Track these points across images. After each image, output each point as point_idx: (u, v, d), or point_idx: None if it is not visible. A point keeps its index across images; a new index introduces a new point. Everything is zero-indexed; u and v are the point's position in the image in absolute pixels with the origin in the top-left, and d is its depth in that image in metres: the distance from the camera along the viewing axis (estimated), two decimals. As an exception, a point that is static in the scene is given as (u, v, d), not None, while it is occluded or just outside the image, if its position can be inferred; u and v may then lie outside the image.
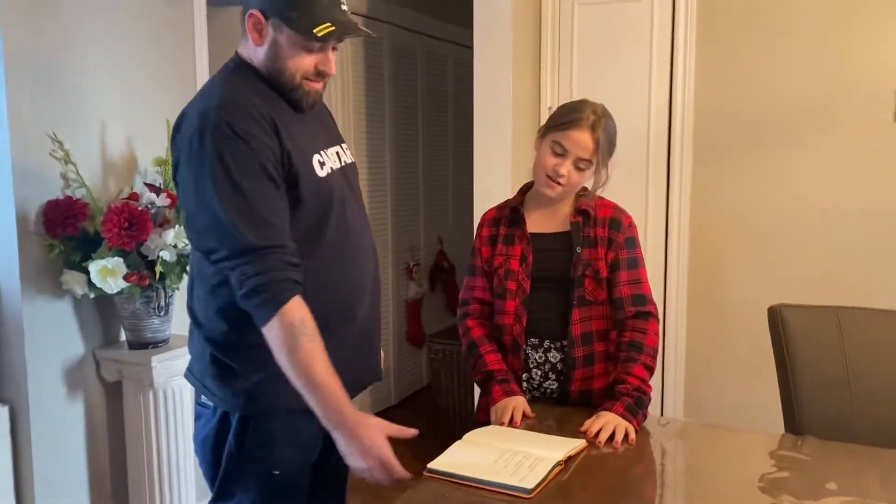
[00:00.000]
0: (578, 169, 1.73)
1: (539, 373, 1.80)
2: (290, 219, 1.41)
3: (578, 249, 1.76)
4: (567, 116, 1.75)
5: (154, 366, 2.30)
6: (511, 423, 1.65)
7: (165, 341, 2.41)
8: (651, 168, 2.73)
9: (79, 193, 2.26)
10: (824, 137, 2.58)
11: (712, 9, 2.63)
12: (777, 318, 1.72)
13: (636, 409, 1.64)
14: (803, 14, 2.55)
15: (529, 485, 1.33)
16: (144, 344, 2.36)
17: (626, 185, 2.76)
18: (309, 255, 1.44)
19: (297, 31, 1.41)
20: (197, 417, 1.56)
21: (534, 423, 1.66)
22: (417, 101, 4.38)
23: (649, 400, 1.70)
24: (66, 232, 2.18)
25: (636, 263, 1.79)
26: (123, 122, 2.44)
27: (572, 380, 1.77)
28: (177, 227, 2.22)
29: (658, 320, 1.78)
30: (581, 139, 1.71)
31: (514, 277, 1.79)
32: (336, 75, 2.68)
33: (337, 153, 1.57)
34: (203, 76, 2.71)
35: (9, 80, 2.11)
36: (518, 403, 1.70)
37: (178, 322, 2.42)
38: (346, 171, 1.58)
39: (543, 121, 2.90)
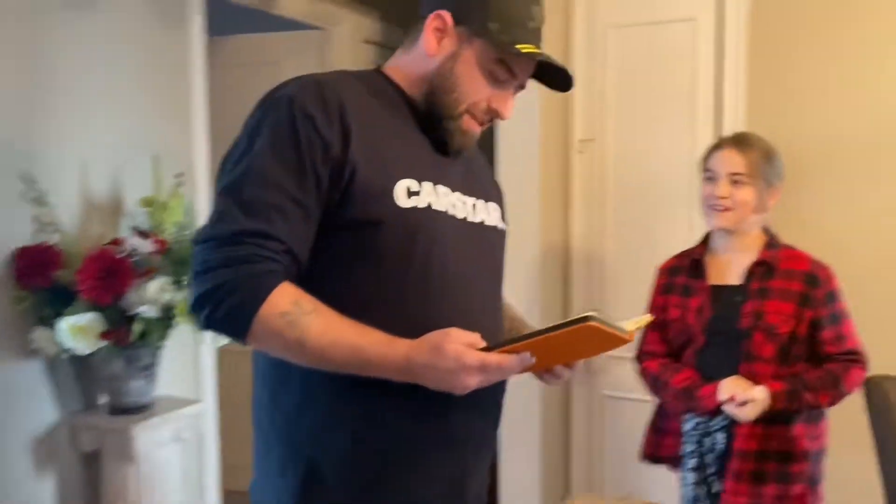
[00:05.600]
0: (736, 183, 1.76)
1: (712, 425, 1.81)
2: (358, 265, 1.12)
3: (738, 298, 1.75)
4: (712, 145, 1.87)
5: (135, 434, 2.04)
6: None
7: (149, 406, 2.14)
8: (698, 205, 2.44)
9: (54, 239, 2.02)
10: (892, 171, 2.29)
11: (765, 31, 2.37)
12: (878, 392, 1.42)
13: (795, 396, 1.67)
14: (862, 35, 2.29)
15: (596, 314, 1.02)
16: (126, 409, 2.09)
17: (671, 222, 2.48)
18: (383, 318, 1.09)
19: (492, 43, 1.16)
20: None
21: None
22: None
23: (804, 408, 1.71)
24: (35, 282, 1.92)
25: (839, 318, 1.74)
26: (108, 160, 2.20)
27: (734, 435, 1.74)
28: (161, 277, 1.96)
29: (865, 369, 1.71)
30: (726, 156, 1.78)
31: (688, 331, 1.82)
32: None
33: (473, 205, 1.25)
34: (200, 110, 2.48)
35: (-25, 112, 1.89)
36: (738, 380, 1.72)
37: (165, 383, 2.17)
38: (481, 230, 1.25)
39: (574, 155, 2.66)
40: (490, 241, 1.28)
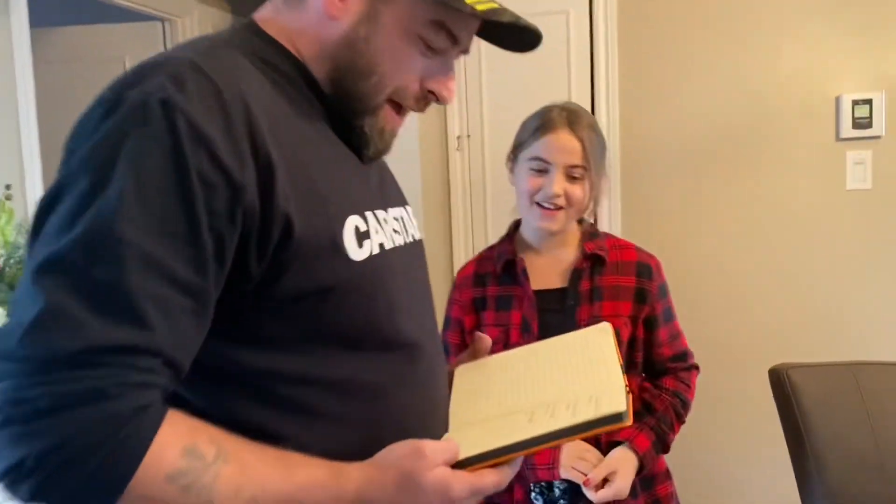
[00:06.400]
0: (574, 179, 1.39)
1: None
2: (294, 351, 0.76)
3: (570, 303, 1.42)
4: (534, 123, 1.44)
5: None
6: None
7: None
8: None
9: None
10: (762, 161, 2.38)
11: (633, 23, 2.39)
12: (784, 382, 1.42)
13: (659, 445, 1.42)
14: (730, 24, 2.36)
15: (619, 406, 0.77)
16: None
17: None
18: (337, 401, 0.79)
19: None
20: None
21: None
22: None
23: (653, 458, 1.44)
24: None
25: (672, 315, 1.51)
26: (-84, 173, 1.86)
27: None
28: (-6, 310, 1.67)
29: (698, 370, 1.54)
30: (562, 142, 1.38)
31: None
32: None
33: (401, 219, 0.93)
34: (28, 111, 2.15)
35: None
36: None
37: None
38: (412, 252, 0.92)
39: (452, 153, 2.57)
40: (422, 262, 0.98)
